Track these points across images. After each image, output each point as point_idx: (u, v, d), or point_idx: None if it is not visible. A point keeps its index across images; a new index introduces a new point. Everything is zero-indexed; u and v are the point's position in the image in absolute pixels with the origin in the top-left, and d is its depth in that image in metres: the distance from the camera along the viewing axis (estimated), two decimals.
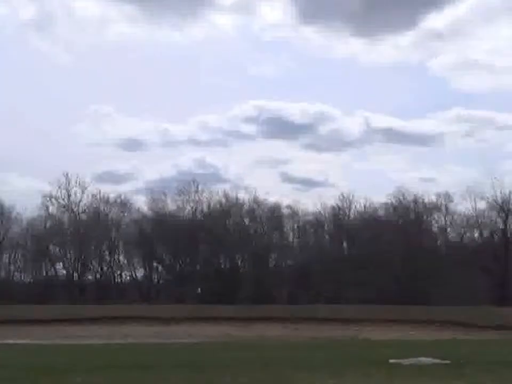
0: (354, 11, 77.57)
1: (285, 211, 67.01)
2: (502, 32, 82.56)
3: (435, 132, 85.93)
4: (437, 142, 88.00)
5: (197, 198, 65.71)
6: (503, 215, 59.49)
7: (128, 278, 65.51)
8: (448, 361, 13.55)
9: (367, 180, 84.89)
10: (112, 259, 64.73)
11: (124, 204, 67.05)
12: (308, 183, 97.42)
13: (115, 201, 66.75)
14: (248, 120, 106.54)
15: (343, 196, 65.06)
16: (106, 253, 64.75)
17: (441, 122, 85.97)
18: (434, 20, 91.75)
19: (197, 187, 65.81)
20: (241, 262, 65.63)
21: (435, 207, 63.90)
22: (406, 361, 13.55)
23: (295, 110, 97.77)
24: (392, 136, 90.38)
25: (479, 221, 61.60)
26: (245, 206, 66.32)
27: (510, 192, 58.95)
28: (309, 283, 59.07)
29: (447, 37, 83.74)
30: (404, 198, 63.52)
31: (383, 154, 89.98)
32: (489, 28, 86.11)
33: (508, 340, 24.43)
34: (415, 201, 63.46)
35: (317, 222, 67.08)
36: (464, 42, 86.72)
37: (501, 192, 58.98)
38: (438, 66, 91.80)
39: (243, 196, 67.02)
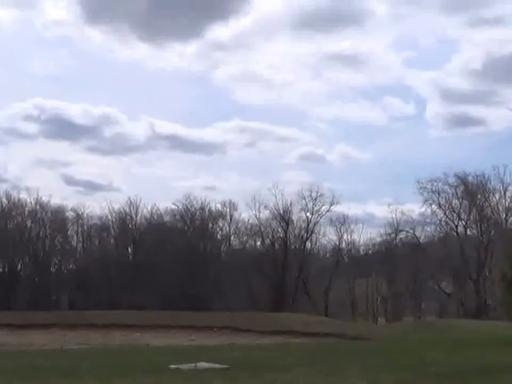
0: (142, 16, 77.15)
1: (69, 214, 65.30)
2: (280, 49, 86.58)
3: (217, 141, 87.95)
4: (219, 151, 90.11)
5: None
6: (284, 224, 62.35)
7: None
8: (226, 366, 13.81)
9: (152, 185, 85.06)
10: None
11: None
12: (92, 186, 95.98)
13: None
14: (28, 119, 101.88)
15: (130, 201, 64.60)
16: None
17: (223, 132, 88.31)
18: (219, 31, 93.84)
19: None
20: (21, 266, 62.88)
21: (220, 215, 65.49)
22: (185, 366, 13.60)
23: (77, 111, 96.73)
24: (176, 143, 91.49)
25: (262, 229, 64.03)
26: (27, 207, 63.58)
27: (290, 202, 62.04)
28: (90, 288, 57.88)
29: (230, 48, 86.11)
30: (190, 205, 64.40)
31: (168, 161, 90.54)
32: (270, 43, 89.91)
33: (283, 344, 25.51)
34: (202, 208, 64.60)
35: (102, 226, 65.96)
36: (246, 55, 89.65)
37: (282, 202, 61.87)
38: (221, 77, 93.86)
39: (25, 197, 64.11)
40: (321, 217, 62.48)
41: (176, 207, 64.91)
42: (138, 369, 13.35)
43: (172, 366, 13.67)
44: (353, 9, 76.26)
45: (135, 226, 65.24)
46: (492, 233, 56.98)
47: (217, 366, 13.86)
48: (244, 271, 58.88)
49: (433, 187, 57.84)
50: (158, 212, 66.12)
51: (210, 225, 66.24)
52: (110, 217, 65.41)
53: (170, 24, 76.62)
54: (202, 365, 13.99)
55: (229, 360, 14.87)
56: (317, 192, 61.52)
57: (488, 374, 12.92)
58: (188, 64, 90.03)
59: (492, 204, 58.30)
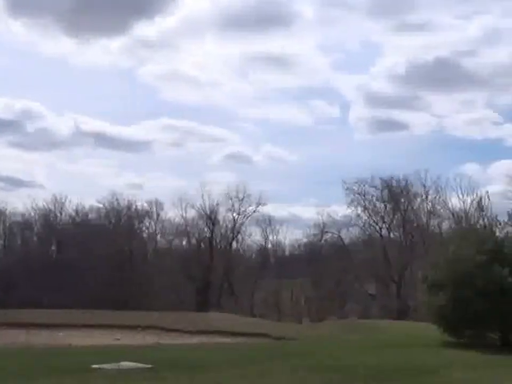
0: (68, 10, 74.95)
1: None
2: (207, 48, 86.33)
3: (144, 139, 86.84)
4: (146, 149, 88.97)
5: None
6: (210, 224, 62.28)
7: None
8: (150, 366, 13.66)
9: (77, 183, 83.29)
10: None
11: None
12: (14, 182, 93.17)
13: None
14: None
15: (55, 198, 63.25)
16: None
17: (149, 130, 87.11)
18: (146, 29, 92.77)
19: None
20: None
21: (146, 214, 64.92)
22: (108, 366, 13.38)
23: None
24: (102, 140, 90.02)
25: (188, 228, 63.79)
26: None
27: (217, 202, 62.02)
28: (12, 287, 56.33)
29: (157, 46, 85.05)
30: (116, 203, 63.64)
31: (93, 158, 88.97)
32: (197, 42, 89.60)
33: (209, 344, 25.43)
34: (128, 207, 63.93)
35: (25, 224, 64.39)
36: (172, 54, 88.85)
37: (208, 202, 61.79)
38: (147, 75, 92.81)
39: None
40: (247, 217, 62.81)
41: (102, 205, 64.13)
42: (60, 369, 13.06)
43: (95, 366, 13.43)
44: (281, 11, 76.84)
45: (60, 224, 63.99)
46: (414, 237, 58.34)
47: (141, 365, 13.70)
48: (169, 270, 58.51)
49: (358, 189, 58.84)
50: (83, 209, 65.09)
51: (136, 224, 65.61)
52: (33, 215, 64.07)
53: (96, 19, 74.94)
54: (126, 364, 13.81)
55: (154, 360, 14.70)
56: (244, 192, 61.74)
57: (412, 374, 13.20)
58: (114, 61, 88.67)
59: (415, 207, 59.73)
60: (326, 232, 62.15)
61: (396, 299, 54.80)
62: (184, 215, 62.97)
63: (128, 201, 63.73)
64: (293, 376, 12.65)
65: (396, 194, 59.51)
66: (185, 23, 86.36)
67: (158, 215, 64.61)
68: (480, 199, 50.34)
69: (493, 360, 16.70)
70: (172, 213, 64.53)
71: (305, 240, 65.25)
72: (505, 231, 22.67)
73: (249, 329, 32.16)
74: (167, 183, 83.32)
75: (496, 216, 25.08)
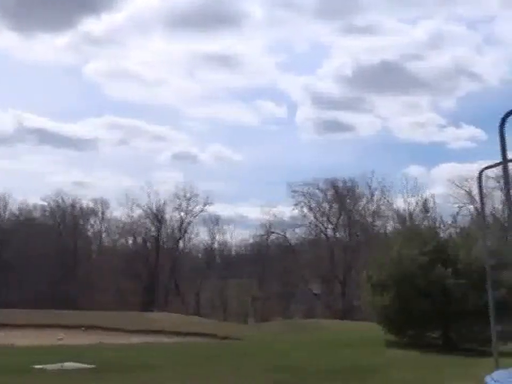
0: (12, 4, 73.31)
1: None
2: (155, 46, 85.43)
3: (89, 137, 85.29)
4: (91, 147, 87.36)
5: None
6: (157, 223, 61.86)
7: None
8: (93, 366, 13.49)
9: (21, 180, 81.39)
10: None
11: None
12: None
13: None
14: None
15: None
16: None
17: (95, 128, 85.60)
18: (92, 25, 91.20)
19: None
20: None
21: (92, 212, 64.14)
22: (50, 367, 13.17)
23: None
24: (47, 137, 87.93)
25: (134, 227, 63.24)
26: None
27: (164, 201, 61.65)
28: None
29: (103, 43, 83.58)
30: (61, 201, 62.70)
31: (37, 155, 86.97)
32: (144, 40, 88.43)
33: (154, 343, 25.26)
34: (73, 205, 63.04)
35: None
36: (119, 51, 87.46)
37: (155, 201, 61.38)
38: (93, 72, 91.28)
39: None
40: (194, 217, 62.59)
41: (46, 204, 63.11)
42: (1, 370, 12.80)
43: (37, 367, 13.20)
44: (229, 10, 76.46)
45: (3, 222, 62.70)
46: (359, 237, 59.03)
47: (84, 365, 13.52)
48: (115, 270, 57.93)
49: (305, 190, 59.24)
50: (27, 207, 63.89)
51: (81, 222, 64.77)
52: None
53: (42, 14, 73.26)
54: (69, 365, 13.60)
55: (97, 360, 14.52)
56: (191, 192, 61.52)
57: (356, 374, 13.32)
58: (60, 57, 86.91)
59: (360, 208, 60.46)
60: (272, 232, 62.39)
61: (340, 299, 55.35)
62: (130, 214, 62.49)
63: (73, 199, 62.94)
64: (238, 376, 12.64)
65: (341, 195, 60.12)
66: (132, 20, 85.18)
67: (103, 213, 63.98)
68: (425, 200, 51.31)
69: (434, 360, 17.00)
70: (117, 212, 63.97)
71: (251, 240, 65.38)
72: (448, 232, 23.13)
73: (194, 329, 32.09)
74: (113, 182, 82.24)
75: (441, 217, 25.56)
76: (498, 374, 6.69)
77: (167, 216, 62.51)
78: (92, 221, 65.05)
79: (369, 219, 60.04)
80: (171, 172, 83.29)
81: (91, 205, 63.76)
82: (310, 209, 59.73)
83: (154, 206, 61.43)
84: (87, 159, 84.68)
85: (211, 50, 79.56)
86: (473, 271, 19.75)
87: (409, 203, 55.94)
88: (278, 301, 60.85)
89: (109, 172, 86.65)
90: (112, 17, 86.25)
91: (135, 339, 28.81)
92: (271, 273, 60.82)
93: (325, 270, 57.65)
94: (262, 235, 62.91)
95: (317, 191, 59.73)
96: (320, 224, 60.28)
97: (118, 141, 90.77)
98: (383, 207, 59.10)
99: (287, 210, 62.47)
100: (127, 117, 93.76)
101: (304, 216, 59.73)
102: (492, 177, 46.60)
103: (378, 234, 56.16)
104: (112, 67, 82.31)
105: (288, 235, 61.95)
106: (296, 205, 58.91)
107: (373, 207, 59.54)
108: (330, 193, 60.10)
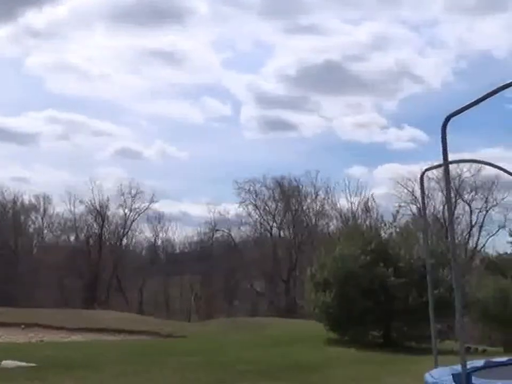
0: None
1: None
2: (98, 40, 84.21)
3: (29, 131, 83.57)
4: (32, 141, 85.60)
5: None
6: (100, 219, 61.15)
7: None
8: (33, 364, 13.29)
9: None
10: None
11: None
12: None
13: None
14: None
15: None
16: None
17: (35, 122, 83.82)
18: (34, 17, 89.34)
19: None
20: None
21: (33, 208, 63.03)
22: None
23: None
24: None
25: (77, 224, 62.42)
26: None
27: (108, 198, 60.97)
28: None
29: (45, 36, 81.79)
30: (1, 197, 61.45)
31: None
32: (87, 34, 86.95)
33: (96, 341, 25.00)
34: (14, 200, 61.85)
35: None
36: (61, 45, 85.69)
37: (98, 197, 60.64)
38: (34, 65, 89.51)
39: None
40: (139, 214, 62.07)
41: None
42: None
43: None
44: (174, 6, 75.68)
45: None
46: (303, 236, 59.51)
47: (23, 364, 13.30)
48: (56, 266, 57.05)
49: (250, 188, 59.43)
50: None
51: (22, 218, 63.59)
52: None
53: None
54: (8, 363, 13.36)
55: (37, 359, 14.30)
56: (136, 189, 60.98)
57: (297, 371, 13.45)
58: (0, 50, 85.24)
59: (304, 207, 60.96)
60: (217, 230, 62.42)
61: (284, 297, 55.73)
62: (72, 210, 61.62)
63: (14, 195, 61.71)
64: (179, 374, 12.62)
65: (287, 194, 60.51)
66: (75, 14, 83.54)
67: (45, 210, 62.90)
68: (367, 200, 52.11)
69: (374, 357, 17.28)
70: (60, 208, 62.94)
71: (196, 237, 65.24)
72: (389, 231, 23.51)
73: (137, 326, 31.84)
74: (55, 177, 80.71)
75: (382, 217, 25.96)
76: (437, 372, 6.86)
77: (110, 213, 61.91)
78: (33, 217, 63.97)
79: (313, 218, 60.60)
80: (114, 168, 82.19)
81: (33, 200, 62.75)
82: (256, 207, 59.99)
83: (97, 202, 60.77)
84: (28, 153, 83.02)
85: (155, 45, 78.79)
86: (414, 270, 20.17)
87: (352, 203, 56.82)
88: (221, 299, 60.91)
89: (51, 167, 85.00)
90: (55, 10, 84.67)
91: (77, 337, 28.47)
92: (215, 271, 60.80)
93: (269, 269, 57.96)
94: (207, 233, 62.90)
95: (263, 189, 60.03)
96: (265, 223, 60.60)
97: (60, 135, 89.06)
98: (327, 207, 59.80)
99: (232, 208, 62.60)
100: (70, 111, 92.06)
101: (249, 214, 59.97)
102: (433, 179, 47.71)
103: (322, 234, 56.76)
104: (54, 60, 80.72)
105: (233, 233, 62.12)
106: (241, 202, 59.12)
107: (317, 206, 60.16)
108: (276, 191, 60.46)
